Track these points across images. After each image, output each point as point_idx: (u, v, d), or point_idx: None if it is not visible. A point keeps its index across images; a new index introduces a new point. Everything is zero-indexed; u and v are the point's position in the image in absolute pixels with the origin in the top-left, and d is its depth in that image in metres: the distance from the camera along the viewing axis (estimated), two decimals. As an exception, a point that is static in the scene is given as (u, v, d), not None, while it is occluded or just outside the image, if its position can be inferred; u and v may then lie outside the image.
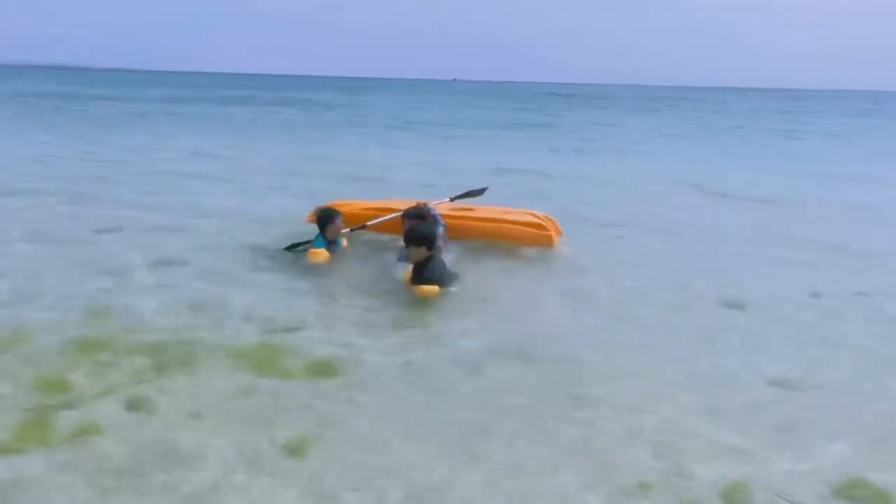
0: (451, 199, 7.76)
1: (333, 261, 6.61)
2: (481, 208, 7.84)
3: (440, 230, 6.74)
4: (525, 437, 3.62)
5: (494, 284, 6.21)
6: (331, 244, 6.70)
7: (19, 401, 3.79)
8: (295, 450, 3.43)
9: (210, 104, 39.46)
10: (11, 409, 3.70)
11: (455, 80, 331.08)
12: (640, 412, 3.89)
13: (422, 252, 5.78)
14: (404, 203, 7.55)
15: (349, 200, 8.05)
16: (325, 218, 6.66)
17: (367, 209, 7.57)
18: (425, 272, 5.73)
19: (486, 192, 8.16)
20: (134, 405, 3.80)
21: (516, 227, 7.53)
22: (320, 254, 6.58)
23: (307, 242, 6.79)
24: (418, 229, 5.84)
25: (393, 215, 7.28)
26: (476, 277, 6.29)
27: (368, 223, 7.31)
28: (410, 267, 5.97)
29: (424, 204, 7.18)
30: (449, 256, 6.46)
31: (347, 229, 7.06)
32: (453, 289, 5.84)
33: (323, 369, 4.34)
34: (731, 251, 7.67)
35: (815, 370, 4.56)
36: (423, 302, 5.60)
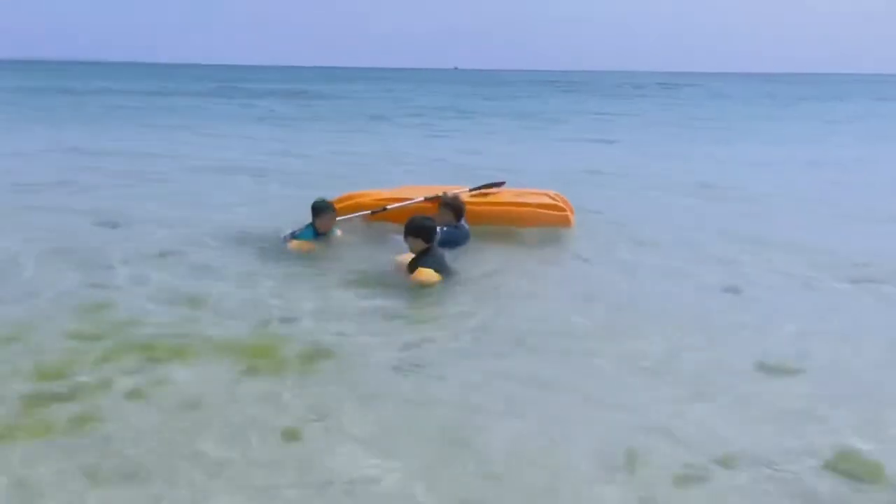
0: (470, 191, 7.81)
1: (315, 249, 6.59)
2: (496, 192, 7.92)
3: (462, 222, 6.85)
4: (519, 424, 3.65)
5: (491, 273, 6.22)
6: (321, 235, 6.68)
7: (18, 392, 3.84)
8: (290, 437, 3.47)
9: (203, 97, 39.30)
10: (11, 400, 3.75)
11: (456, 68, 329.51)
12: (633, 400, 3.92)
13: (419, 244, 5.78)
14: (423, 191, 7.63)
15: (367, 191, 8.09)
16: (317, 209, 6.65)
17: (385, 199, 7.61)
18: (422, 262, 5.72)
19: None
20: (132, 395, 3.85)
21: (534, 209, 7.61)
22: (303, 244, 6.59)
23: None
24: (416, 221, 5.83)
25: (414, 200, 7.35)
26: (473, 266, 6.31)
27: (389, 207, 7.35)
28: (403, 257, 6.00)
29: (444, 193, 7.25)
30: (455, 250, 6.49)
31: (355, 214, 7.16)
32: (450, 281, 5.82)
33: (317, 358, 4.37)
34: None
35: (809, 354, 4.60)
36: (419, 291, 5.60)
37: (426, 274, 5.62)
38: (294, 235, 6.70)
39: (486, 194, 7.79)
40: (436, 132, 20.68)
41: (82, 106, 29.72)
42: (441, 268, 5.79)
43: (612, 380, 4.18)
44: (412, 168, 12.67)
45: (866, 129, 23.82)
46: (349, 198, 7.80)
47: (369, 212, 7.34)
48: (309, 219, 6.68)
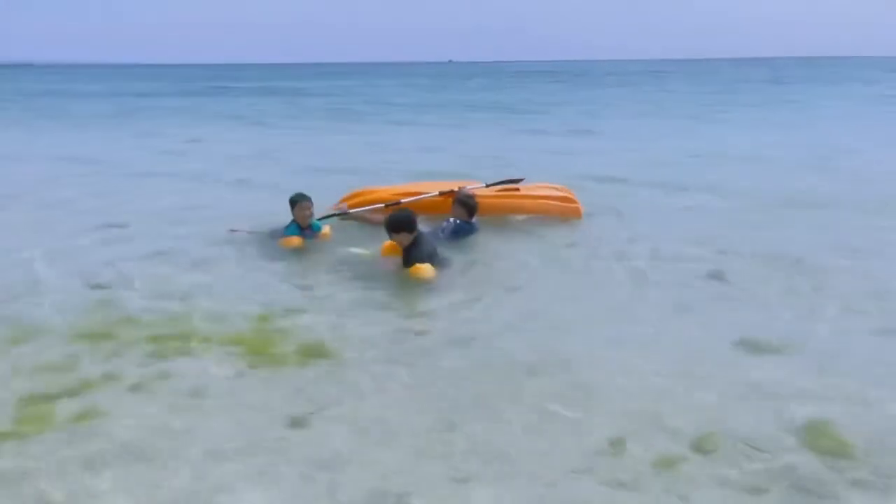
0: (487, 186, 7.94)
1: (305, 247, 6.67)
2: (506, 186, 8.04)
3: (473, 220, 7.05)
4: (507, 410, 3.75)
5: (488, 264, 6.34)
6: (305, 230, 6.76)
7: (24, 389, 3.95)
8: (290, 427, 3.58)
9: (195, 97, 39.14)
10: (16, 397, 3.87)
11: (450, 61, 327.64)
12: (622, 380, 4.07)
13: (404, 237, 5.85)
14: (438, 186, 7.73)
15: (382, 186, 8.17)
16: (293, 202, 6.74)
17: (399, 194, 7.70)
18: (416, 254, 5.81)
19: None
20: (135, 391, 3.97)
21: (549, 201, 7.87)
22: (291, 240, 6.69)
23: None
24: (394, 218, 5.88)
25: (429, 194, 7.47)
26: (474, 257, 6.46)
27: (404, 200, 7.45)
28: (386, 245, 6.12)
29: (461, 188, 7.37)
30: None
31: (369, 207, 7.21)
32: (443, 270, 5.94)
33: (315, 351, 4.48)
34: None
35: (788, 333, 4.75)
36: (411, 283, 5.69)
37: (424, 270, 5.73)
38: (282, 233, 6.77)
39: (502, 190, 7.94)
40: (405, 128, 20.31)
41: (71, 110, 29.63)
42: (433, 257, 5.91)
43: (595, 368, 4.29)
44: (365, 168, 12.07)
45: (844, 113, 23.75)
46: (363, 193, 7.90)
47: (383, 205, 7.39)
48: (289, 216, 6.77)
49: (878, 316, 5.08)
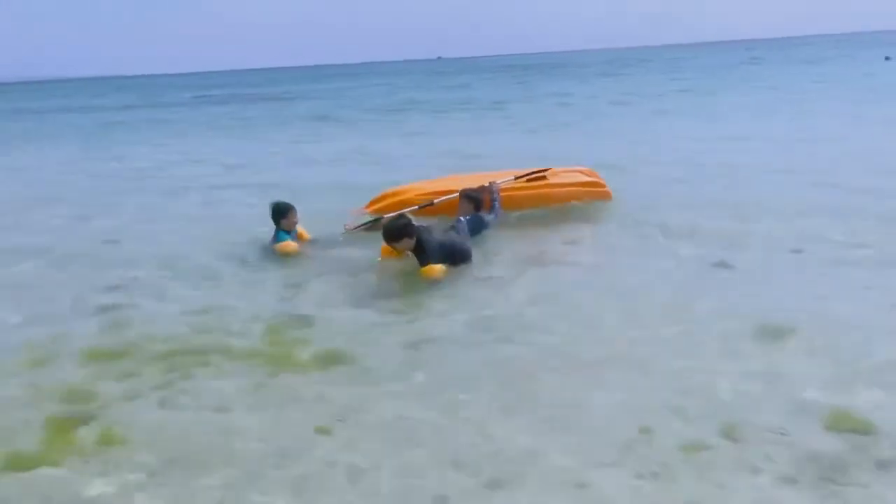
0: (516, 179, 7.93)
1: (301, 252, 6.69)
2: (533, 177, 8.03)
3: (496, 204, 7.21)
4: (529, 408, 3.76)
5: (500, 258, 6.38)
6: (291, 234, 6.78)
7: (47, 413, 3.92)
8: (316, 436, 3.58)
9: (188, 107, 38.92)
10: (40, 421, 3.84)
11: (439, 58, 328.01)
12: (643, 371, 4.09)
13: (406, 243, 5.82)
14: (469, 180, 7.72)
15: (408, 185, 8.16)
16: (279, 212, 6.70)
17: (429, 193, 7.68)
18: (428, 254, 5.79)
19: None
20: (158, 409, 3.94)
21: (577, 188, 7.90)
22: (288, 245, 6.67)
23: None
24: (390, 228, 5.84)
25: (457, 194, 7.46)
26: (482, 250, 6.46)
27: (436, 201, 7.46)
28: (383, 248, 6.12)
29: (492, 183, 7.42)
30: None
31: (402, 211, 7.12)
32: (459, 265, 5.96)
33: (333, 358, 4.47)
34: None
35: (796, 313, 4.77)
36: (421, 284, 5.70)
37: (435, 271, 5.75)
38: (276, 241, 6.75)
39: (529, 181, 7.93)
40: (380, 134, 19.49)
41: (65, 123, 29.67)
42: (449, 253, 5.90)
43: (611, 359, 4.30)
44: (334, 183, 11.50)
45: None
46: (393, 194, 7.88)
47: (416, 206, 7.34)
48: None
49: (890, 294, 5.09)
